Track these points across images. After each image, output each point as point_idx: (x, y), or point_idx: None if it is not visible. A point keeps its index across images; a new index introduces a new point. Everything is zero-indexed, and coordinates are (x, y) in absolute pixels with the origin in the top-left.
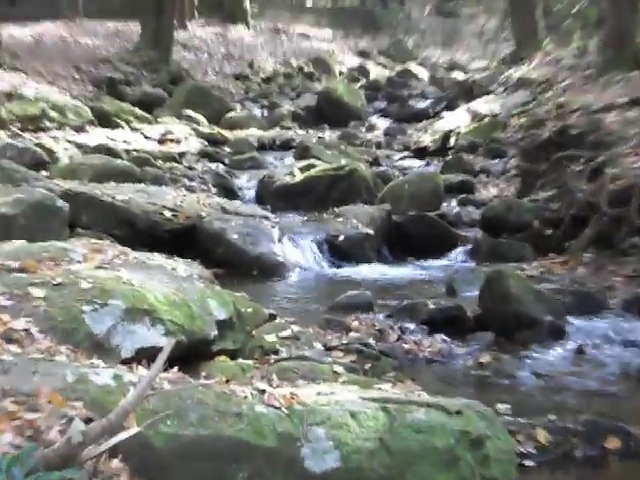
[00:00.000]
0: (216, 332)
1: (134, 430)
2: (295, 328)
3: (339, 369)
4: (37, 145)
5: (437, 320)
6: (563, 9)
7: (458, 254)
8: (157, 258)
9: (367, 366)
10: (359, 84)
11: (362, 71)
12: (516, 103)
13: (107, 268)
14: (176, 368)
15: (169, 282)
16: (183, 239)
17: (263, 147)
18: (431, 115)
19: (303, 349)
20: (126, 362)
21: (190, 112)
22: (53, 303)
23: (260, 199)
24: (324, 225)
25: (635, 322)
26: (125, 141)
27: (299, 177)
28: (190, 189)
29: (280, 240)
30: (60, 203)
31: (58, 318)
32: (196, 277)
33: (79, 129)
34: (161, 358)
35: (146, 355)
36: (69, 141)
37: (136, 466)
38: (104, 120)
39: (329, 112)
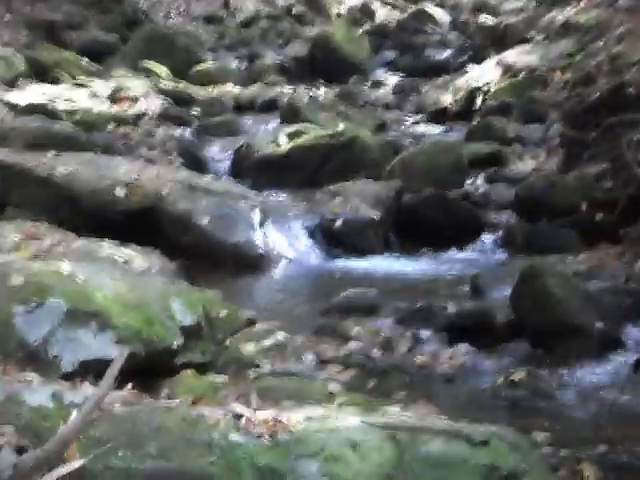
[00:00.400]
0: (181, 341)
1: (77, 463)
2: (280, 336)
3: (335, 387)
4: None
5: (459, 327)
6: None
7: (485, 244)
8: (107, 247)
9: (371, 384)
10: (362, 29)
11: (366, 12)
12: (560, 54)
13: (44, 259)
14: (130, 385)
15: (122, 277)
16: (140, 223)
17: (241, 108)
18: (452, 69)
19: (290, 362)
20: (67, 377)
21: (150, 63)
22: None
23: (237, 173)
24: (317, 206)
25: None
26: (68, 99)
27: (286, 146)
28: (149, 160)
29: (262, 225)
30: None
31: None
32: (156, 271)
33: (10, 84)
34: (111, 373)
35: (92, 369)
36: None
37: None
38: (42, 73)
39: (324, 64)
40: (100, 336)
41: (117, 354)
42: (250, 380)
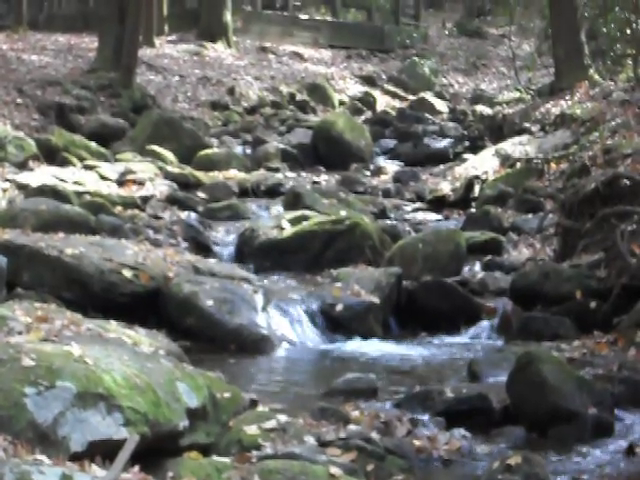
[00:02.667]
0: (186, 423)
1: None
2: (282, 418)
3: (336, 470)
4: None
5: (456, 411)
6: (612, 31)
7: (482, 330)
8: (115, 328)
9: (370, 467)
10: (363, 117)
11: (367, 101)
12: (555, 145)
13: (55, 341)
14: (137, 468)
15: (130, 360)
16: (146, 304)
17: (245, 193)
18: (451, 157)
19: (292, 444)
20: (76, 458)
21: (156, 148)
22: None
23: (240, 257)
24: (319, 291)
25: None
26: (77, 182)
27: (289, 231)
28: (155, 243)
29: (264, 308)
30: None
31: None
32: (162, 353)
33: (21, 166)
34: (122, 458)
35: (101, 450)
36: (9, 180)
37: None
38: (52, 156)
39: (326, 151)
40: (109, 418)
41: (126, 436)
42: (253, 462)
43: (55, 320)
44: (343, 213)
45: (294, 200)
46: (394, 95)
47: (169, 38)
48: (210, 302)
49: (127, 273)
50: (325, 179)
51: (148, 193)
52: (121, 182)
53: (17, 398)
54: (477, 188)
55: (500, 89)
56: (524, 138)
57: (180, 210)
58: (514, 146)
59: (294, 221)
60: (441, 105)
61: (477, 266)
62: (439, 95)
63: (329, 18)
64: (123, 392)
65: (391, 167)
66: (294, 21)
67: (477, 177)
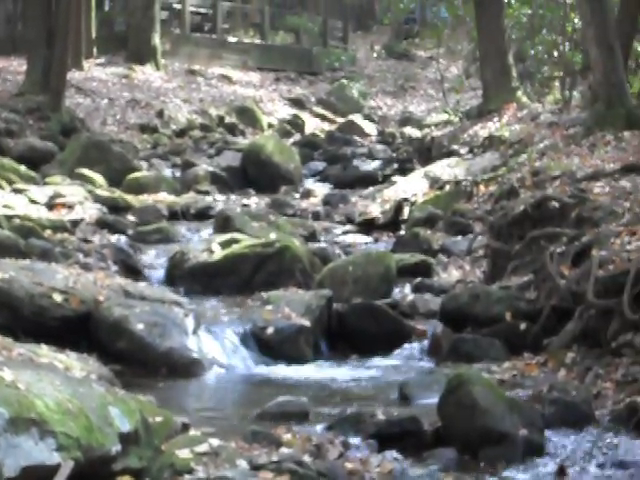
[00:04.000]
0: (119, 447)
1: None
2: (214, 442)
3: None
4: None
5: (387, 434)
6: (540, 53)
7: (413, 352)
8: (46, 353)
9: None
10: (292, 140)
11: (296, 124)
12: (484, 167)
13: None
14: None
15: (62, 385)
16: (76, 328)
17: (175, 216)
18: (380, 180)
19: (224, 468)
20: None
21: (85, 171)
22: None
23: (171, 280)
24: (249, 314)
25: (626, 437)
26: (6, 205)
27: (219, 254)
28: (85, 267)
29: (195, 332)
30: None
31: None
32: (94, 377)
33: None
34: None
35: (34, 475)
36: None
37: None
38: None
39: (255, 174)
40: (41, 443)
41: (63, 465)
42: None
43: None
44: (273, 236)
45: (224, 223)
46: (323, 118)
47: (98, 61)
48: (141, 326)
49: (57, 297)
50: (255, 202)
51: (78, 217)
52: (50, 205)
53: None
54: (406, 210)
55: (428, 111)
56: (452, 160)
57: (110, 233)
58: (443, 168)
59: (224, 244)
60: (370, 127)
61: (407, 288)
62: (368, 117)
63: (257, 41)
64: (55, 417)
65: (320, 190)
66: (223, 44)
67: (406, 199)
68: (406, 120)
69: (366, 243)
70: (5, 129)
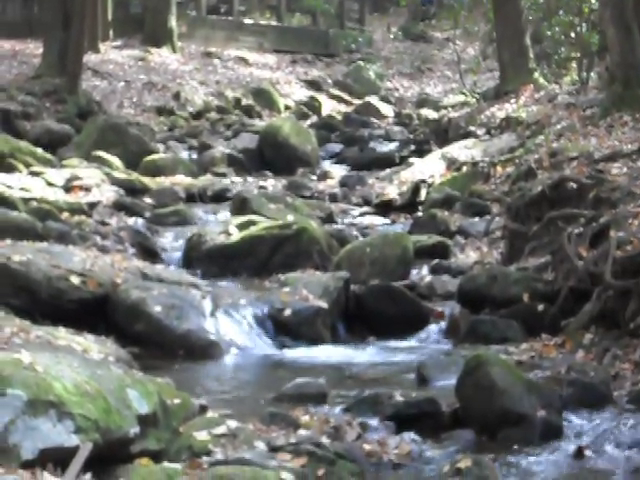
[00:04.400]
0: (137, 429)
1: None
2: (232, 424)
3: (287, 475)
4: None
5: (405, 415)
6: (557, 35)
7: (430, 334)
8: (64, 335)
9: (320, 472)
10: (309, 122)
11: (313, 106)
12: (501, 149)
13: (4, 349)
14: (89, 475)
15: (80, 367)
16: (94, 311)
17: (192, 198)
18: (397, 161)
19: (242, 450)
20: (28, 465)
21: (102, 154)
22: None
23: (188, 263)
24: (267, 296)
25: None
26: (23, 188)
27: (236, 236)
28: (103, 249)
29: (212, 314)
30: None
31: None
32: (112, 360)
33: None
34: (75, 465)
35: (52, 457)
36: None
37: None
38: None
39: (272, 156)
40: (59, 425)
41: (79, 444)
42: (204, 468)
43: (4, 328)
44: (290, 218)
45: (241, 205)
46: (340, 99)
47: (114, 44)
48: (158, 308)
49: (75, 280)
50: (272, 184)
51: (95, 199)
52: (67, 188)
53: None
54: (424, 192)
55: (445, 93)
56: (470, 142)
57: (127, 216)
58: (460, 150)
59: (241, 226)
60: (387, 109)
61: (424, 270)
62: (384, 99)
63: (274, 23)
64: (74, 399)
65: (337, 171)
66: (239, 26)
67: (423, 181)
68: (423, 102)
69: (383, 225)
70: (22, 112)
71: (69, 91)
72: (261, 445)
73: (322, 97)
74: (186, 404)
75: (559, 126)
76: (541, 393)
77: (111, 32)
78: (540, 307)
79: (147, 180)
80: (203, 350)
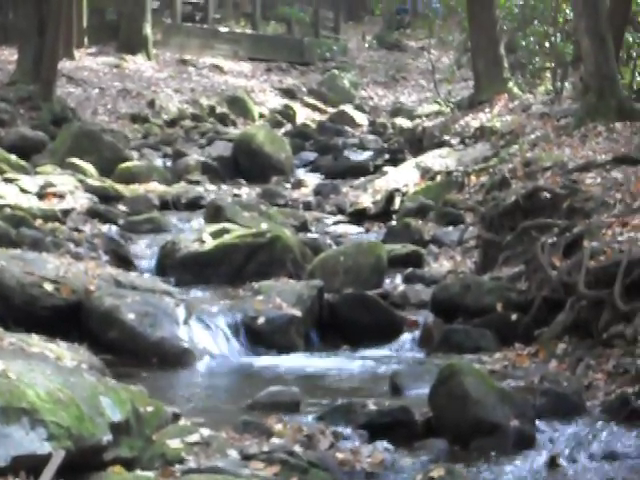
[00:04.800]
0: (110, 437)
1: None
2: (205, 432)
3: None
4: None
5: (378, 424)
6: (531, 44)
7: (404, 343)
8: (37, 342)
9: None
10: (283, 130)
11: (287, 114)
12: (475, 158)
13: None
14: None
15: (53, 374)
16: (67, 318)
17: (166, 206)
18: (371, 170)
19: (215, 458)
20: (0, 473)
21: (76, 160)
22: None
23: (162, 270)
24: (240, 304)
25: (617, 428)
26: None
27: (210, 244)
28: (76, 256)
29: (186, 322)
30: None
31: None
32: (85, 367)
33: None
34: (48, 472)
35: (25, 464)
36: None
37: None
38: None
39: (247, 164)
40: (32, 432)
41: (55, 454)
42: (176, 476)
43: None
44: (264, 226)
45: (215, 213)
46: (314, 108)
47: (89, 50)
48: (132, 315)
49: (48, 286)
50: (246, 192)
51: (69, 206)
52: (41, 195)
53: None
54: (398, 201)
55: (420, 102)
56: (444, 151)
57: (101, 223)
58: (434, 159)
59: (215, 234)
60: (361, 118)
61: (398, 279)
62: (359, 108)
63: (249, 31)
64: (47, 407)
65: (312, 180)
66: (214, 34)
67: (397, 190)
68: (397, 110)
69: (357, 233)
70: None
71: (43, 98)
72: (234, 453)
73: (297, 105)
74: (159, 412)
75: (533, 136)
76: (514, 402)
77: (86, 39)
78: (513, 316)
79: (121, 187)
80: (176, 358)
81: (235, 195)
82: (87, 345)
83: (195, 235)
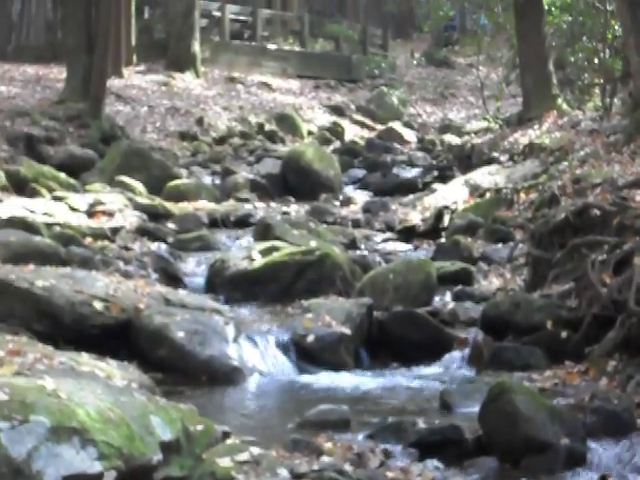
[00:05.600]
0: (160, 456)
1: None
2: (254, 450)
3: None
4: None
5: (428, 442)
6: (580, 61)
7: (453, 360)
8: (87, 361)
9: None
10: (332, 147)
11: (336, 131)
12: (524, 175)
13: (28, 375)
14: None
15: (103, 393)
16: (117, 336)
17: (215, 224)
18: (420, 187)
19: (265, 477)
20: None
21: (125, 178)
22: None
23: (211, 288)
24: (290, 322)
25: None
26: (46, 213)
27: (259, 262)
28: (126, 274)
29: (235, 340)
30: None
31: None
32: (135, 386)
33: None
34: None
35: None
36: None
37: None
38: (21, 187)
39: (295, 181)
40: (83, 452)
41: (106, 475)
42: None
43: (28, 353)
44: (313, 244)
45: (264, 231)
46: (362, 125)
47: (137, 68)
48: (181, 334)
49: (98, 305)
50: (295, 209)
51: (118, 224)
52: (91, 213)
53: None
54: (447, 218)
55: (468, 118)
56: (493, 168)
57: (150, 241)
58: (483, 176)
59: (264, 252)
60: (409, 135)
61: (448, 296)
62: (407, 125)
63: (297, 48)
64: (97, 426)
65: (360, 197)
66: (262, 51)
67: (446, 207)
68: (446, 127)
69: (406, 251)
70: (45, 137)
71: (92, 116)
72: (284, 472)
73: (345, 122)
74: (209, 430)
75: (582, 152)
76: (565, 421)
77: (134, 57)
78: (564, 334)
79: (170, 205)
80: (226, 376)
81: (284, 213)
82: (137, 363)
83: (244, 253)
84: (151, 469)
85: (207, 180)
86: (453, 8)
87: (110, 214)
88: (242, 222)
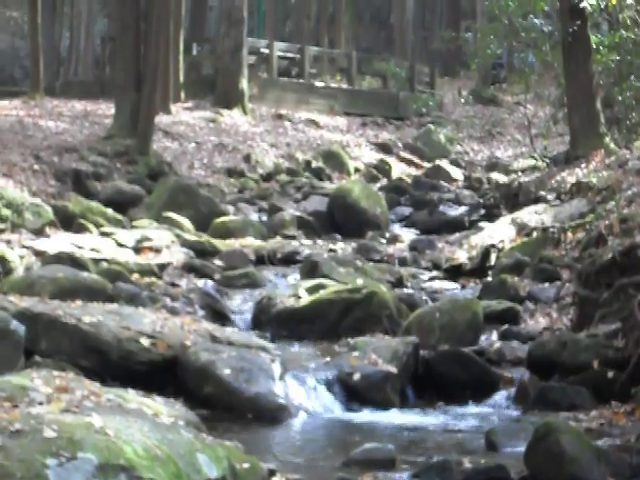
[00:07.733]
0: None
1: None
2: None
3: None
4: None
5: None
6: (628, 99)
7: (499, 400)
8: (134, 398)
9: None
10: (379, 185)
11: (383, 169)
12: (572, 214)
13: (76, 412)
14: None
15: (150, 431)
16: (163, 373)
17: (261, 261)
18: (467, 226)
19: None
20: None
21: (173, 215)
22: (10, 455)
23: (257, 325)
24: (336, 360)
25: None
26: (94, 249)
27: (306, 300)
28: (172, 311)
29: (281, 377)
30: (14, 325)
31: (17, 474)
32: (181, 423)
33: (38, 232)
34: None
35: None
36: (26, 247)
37: None
38: (68, 222)
39: (342, 219)
40: None
41: None
42: None
43: (75, 390)
44: (360, 282)
45: (311, 268)
46: (409, 162)
47: (185, 105)
48: (227, 371)
49: (145, 341)
50: (341, 247)
51: (165, 260)
52: (138, 249)
53: (39, 469)
54: (493, 257)
55: (515, 156)
56: (540, 207)
57: (197, 278)
58: (530, 215)
59: (311, 290)
60: (456, 173)
61: (494, 335)
62: (454, 163)
63: (344, 85)
64: (144, 463)
65: (407, 235)
66: (310, 88)
67: (493, 246)
68: (493, 165)
69: (453, 289)
70: (93, 172)
71: (140, 152)
72: None
73: (392, 160)
74: (255, 468)
75: (630, 192)
76: (610, 461)
77: (182, 93)
78: (610, 374)
79: (217, 242)
80: (272, 413)
81: (331, 250)
82: (183, 400)
83: (291, 290)
84: None
85: (254, 217)
86: (501, 46)
87: (157, 250)
88: (289, 259)
